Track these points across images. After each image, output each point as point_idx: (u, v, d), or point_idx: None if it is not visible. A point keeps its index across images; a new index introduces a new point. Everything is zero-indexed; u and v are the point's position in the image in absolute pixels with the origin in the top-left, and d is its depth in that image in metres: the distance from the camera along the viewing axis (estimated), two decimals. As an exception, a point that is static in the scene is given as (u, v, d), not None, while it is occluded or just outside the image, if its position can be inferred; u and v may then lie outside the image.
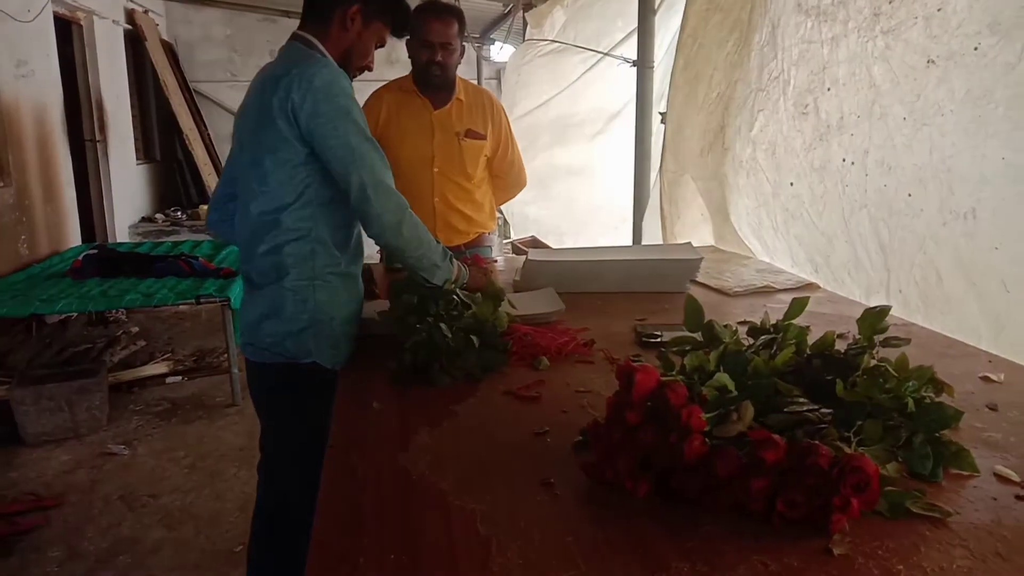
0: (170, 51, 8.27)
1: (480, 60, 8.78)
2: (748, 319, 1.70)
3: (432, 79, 2.54)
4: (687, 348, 1.27)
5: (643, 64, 3.81)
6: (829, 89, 2.21)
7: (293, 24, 1.82)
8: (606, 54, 4.80)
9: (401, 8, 1.86)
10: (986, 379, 1.49)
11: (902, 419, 1.11)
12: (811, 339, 1.30)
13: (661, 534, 0.95)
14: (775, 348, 1.27)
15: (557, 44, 5.33)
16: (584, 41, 5.05)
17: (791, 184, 2.44)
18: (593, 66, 5.08)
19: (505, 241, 6.63)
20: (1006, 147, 1.67)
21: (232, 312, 3.89)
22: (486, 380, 1.51)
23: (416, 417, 1.35)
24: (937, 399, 1.15)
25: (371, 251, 2.17)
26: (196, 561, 2.67)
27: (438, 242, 1.80)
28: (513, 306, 1.81)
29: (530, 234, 6.27)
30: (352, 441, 1.25)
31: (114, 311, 5.06)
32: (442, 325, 1.53)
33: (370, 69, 1.87)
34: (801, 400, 1.12)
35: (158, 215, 7.73)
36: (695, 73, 2.92)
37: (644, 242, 3.75)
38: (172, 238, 6.48)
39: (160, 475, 3.30)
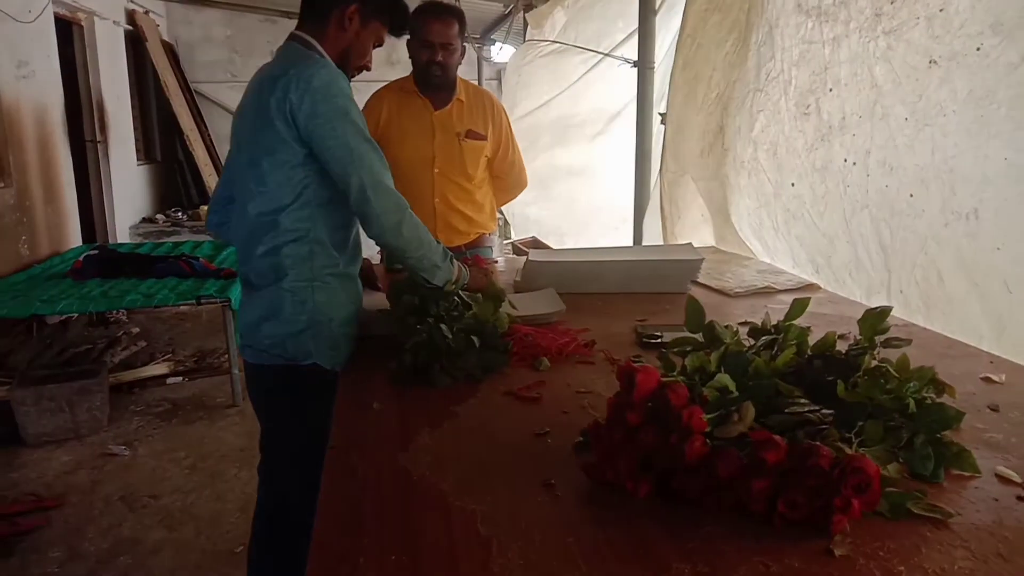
0: (171, 52, 8.28)
1: (481, 60, 8.79)
2: (749, 320, 1.70)
3: (432, 79, 2.54)
4: (688, 349, 1.27)
5: (644, 65, 3.81)
6: (831, 89, 2.21)
7: (293, 25, 1.81)
8: (607, 55, 4.80)
9: (399, 8, 1.86)
10: (987, 380, 1.48)
11: (903, 420, 1.10)
12: (812, 340, 1.29)
13: (662, 535, 0.95)
14: (776, 349, 1.27)
15: (558, 45, 5.33)
16: (585, 42, 5.05)
17: (792, 184, 2.44)
18: (594, 67, 5.08)
19: (506, 242, 6.63)
20: (1008, 147, 1.67)
21: (233, 313, 3.89)
22: (487, 381, 1.51)
23: (416, 418, 1.35)
24: (938, 400, 1.15)
25: (371, 252, 2.17)
26: (197, 562, 2.67)
27: (438, 243, 1.80)
28: (514, 307, 1.80)
29: (531, 235, 6.28)
30: (352, 442, 1.25)
31: (115, 312, 5.06)
32: (443, 326, 1.53)
33: (368, 69, 1.87)
34: (802, 401, 1.11)
35: (159, 216, 7.73)
36: (694, 73, 2.92)
37: (645, 243, 3.75)
38: (173, 239, 6.48)
39: (161, 476, 3.30)
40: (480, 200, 2.72)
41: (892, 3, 1.94)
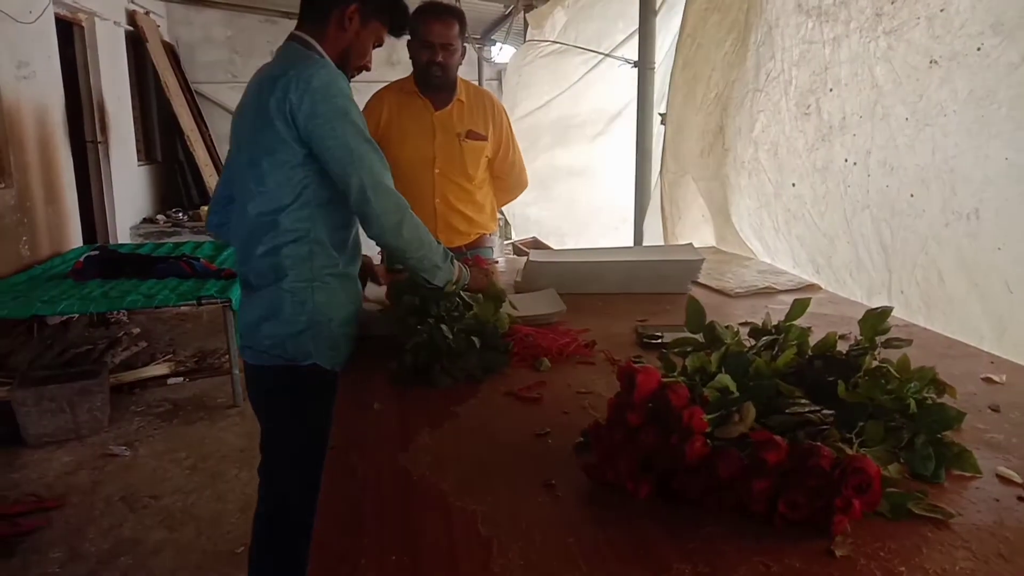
0: (171, 52, 8.28)
1: (481, 61, 8.79)
2: (750, 320, 1.70)
3: (433, 80, 2.54)
4: (688, 349, 1.27)
5: (644, 65, 3.81)
6: (831, 90, 2.21)
7: (294, 25, 1.81)
8: (607, 55, 4.80)
9: (399, 8, 1.86)
10: (988, 380, 1.48)
11: (904, 420, 1.10)
12: (813, 340, 1.29)
13: (662, 535, 0.95)
14: (777, 349, 1.27)
15: (558, 45, 5.33)
16: (585, 42, 5.05)
17: (793, 185, 2.44)
18: (594, 67, 5.09)
19: (506, 242, 6.63)
20: (1009, 147, 1.67)
21: (233, 313, 3.89)
22: (487, 381, 1.51)
23: (417, 418, 1.35)
24: (939, 400, 1.15)
25: (372, 252, 2.17)
26: (197, 562, 2.67)
27: (439, 243, 1.80)
28: (514, 307, 1.80)
29: (531, 235, 6.28)
30: (353, 442, 1.25)
31: (115, 312, 5.06)
32: (443, 326, 1.53)
33: (368, 69, 1.87)
34: (803, 401, 1.11)
35: (159, 216, 7.73)
36: (693, 73, 2.92)
37: (645, 243, 3.75)
38: (173, 239, 6.49)
39: (161, 476, 3.30)
40: (480, 200, 2.72)
41: (892, 3, 1.94)
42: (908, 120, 1.94)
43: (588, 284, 2.19)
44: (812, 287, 2.29)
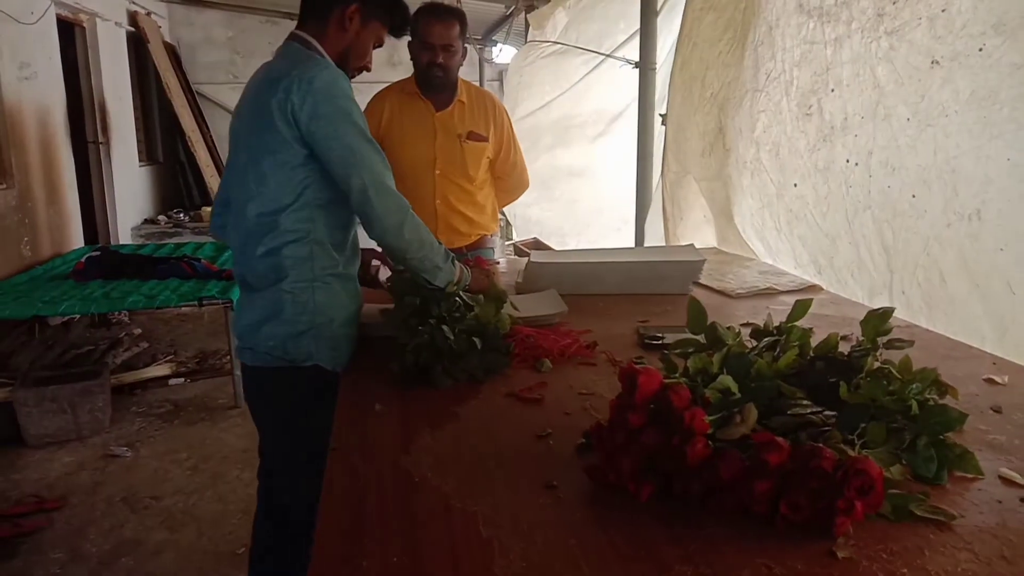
0: (172, 53, 8.29)
1: (482, 62, 8.79)
2: (751, 321, 1.69)
3: (434, 81, 2.54)
4: (690, 350, 1.27)
5: (645, 65, 3.81)
6: (833, 90, 2.21)
7: (294, 26, 1.81)
8: (608, 55, 4.80)
9: (399, 8, 1.86)
10: (990, 381, 1.48)
11: (906, 421, 1.10)
12: (814, 341, 1.29)
13: (664, 537, 0.94)
14: (778, 350, 1.27)
15: (559, 46, 5.33)
16: (586, 42, 5.05)
17: (795, 185, 2.44)
18: (595, 67, 5.09)
19: (507, 243, 6.63)
20: (1011, 148, 1.67)
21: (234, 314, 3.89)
22: (488, 382, 1.50)
23: (418, 419, 1.35)
24: (941, 401, 1.15)
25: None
26: (198, 563, 2.67)
27: (440, 244, 1.80)
28: (515, 308, 1.80)
29: (532, 236, 6.27)
30: (354, 443, 1.25)
31: (117, 313, 5.07)
32: (444, 327, 1.53)
33: (368, 70, 1.86)
34: (804, 402, 1.11)
35: (160, 217, 7.73)
36: (691, 73, 2.92)
37: (647, 244, 3.74)
38: (174, 240, 6.50)
39: (162, 477, 3.30)
40: (482, 201, 2.72)
41: (894, 3, 1.94)
42: (910, 120, 1.93)
43: (589, 285, 2.19)
44: (814, 288, 2.29)
